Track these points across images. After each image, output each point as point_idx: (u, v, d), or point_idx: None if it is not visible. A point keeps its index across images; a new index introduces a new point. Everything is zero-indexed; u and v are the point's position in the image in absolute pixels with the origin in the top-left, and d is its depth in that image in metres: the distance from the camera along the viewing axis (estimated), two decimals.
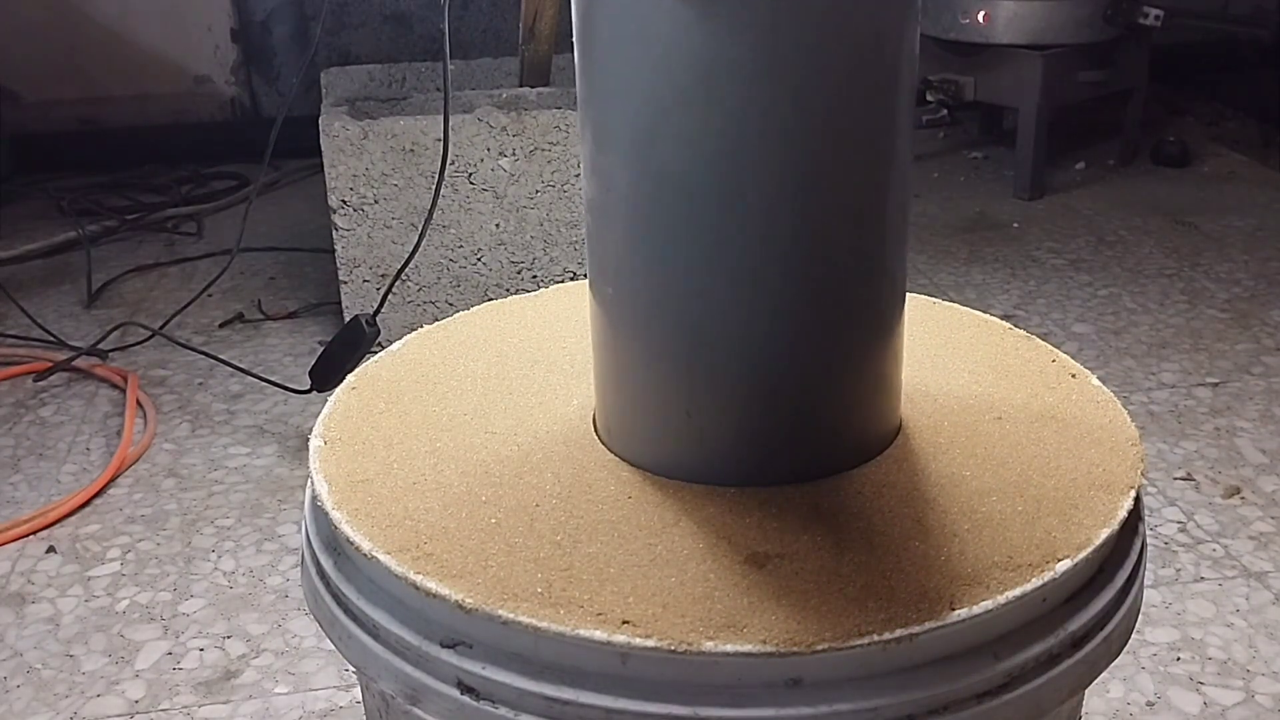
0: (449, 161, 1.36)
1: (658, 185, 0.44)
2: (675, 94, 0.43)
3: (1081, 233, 1.92)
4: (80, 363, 1.51)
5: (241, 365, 1.45)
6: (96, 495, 1.23)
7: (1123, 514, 0.46)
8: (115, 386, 1.47)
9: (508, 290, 1.53)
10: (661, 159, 0.44)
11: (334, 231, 1.49)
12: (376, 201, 1.47)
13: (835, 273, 0.45)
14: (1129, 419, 0.53)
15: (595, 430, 0.52)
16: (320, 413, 0.55)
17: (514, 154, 1.47)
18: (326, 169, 1.45)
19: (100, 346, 1.54)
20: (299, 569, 0.79)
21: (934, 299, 0.65)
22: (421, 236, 1.31)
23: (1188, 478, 1.23)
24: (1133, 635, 0.48)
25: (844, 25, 0.42)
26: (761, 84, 0.42)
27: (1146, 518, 0.81)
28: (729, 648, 0.39)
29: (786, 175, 0.43)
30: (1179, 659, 0.97)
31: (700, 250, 0.44)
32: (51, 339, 1.57)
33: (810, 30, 0.42)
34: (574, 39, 0.46)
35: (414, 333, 0.62)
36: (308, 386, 1.32)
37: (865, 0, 0.42)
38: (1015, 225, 1.97)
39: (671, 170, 0.44)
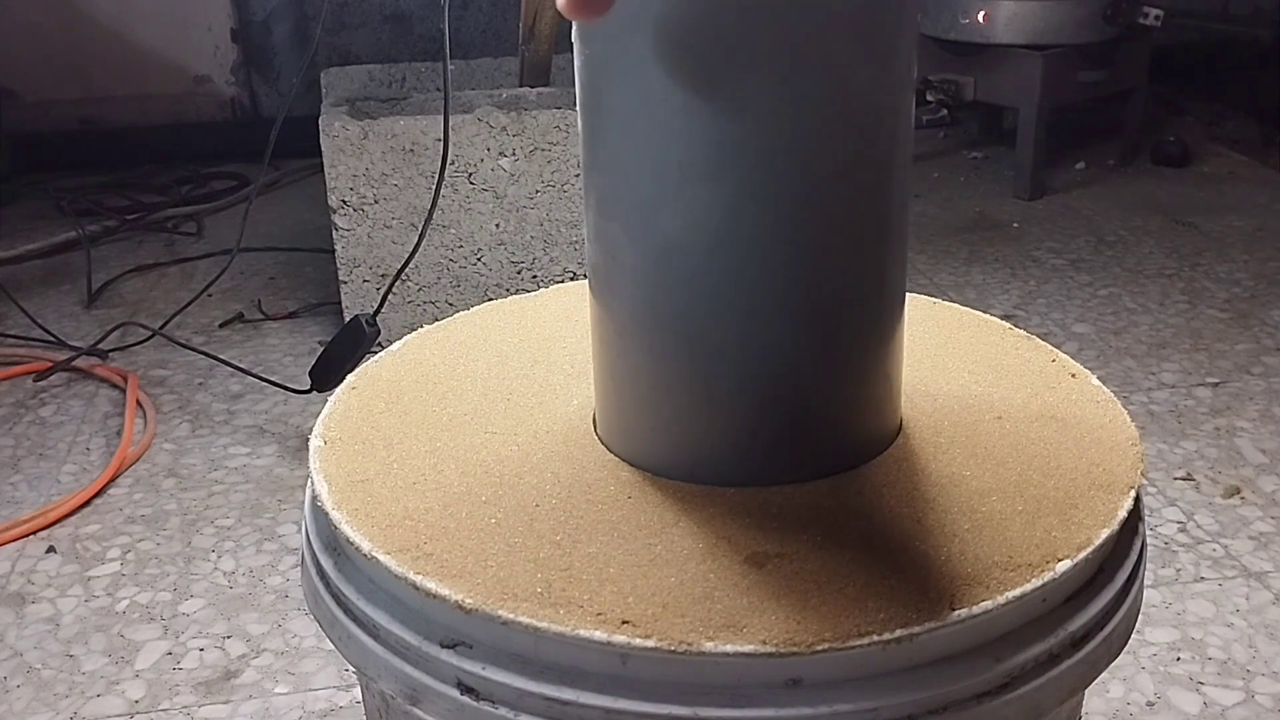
0: (449, 161, 1.36)
1: (662, 253, 0.45)
2: (678, 170, 0.44)
3: (1081, 233, 1.92)
4: (80, 363, 1.51)
5: (241, 365, 1.45)
6: (96, 495, 1.23)
7: (1123, 514, 0.46)
8: (115, 386, 1.47)
9: (508, 290, 1.53)
10: (665, 230, 0.45)
11: (334, 231, 1.49)
12: (376, 201, 1.47)
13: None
14: (1129, 419, 0.53)
15: (595, 430, 0.52)
16: (320, 413, 0.55)
17: (514, 154, 1.47)
18: (326, 169, 1.45)
19: (100, 346, 1.54)
20: (299, 569, 0.79)
21: (934, 299, 0.65)
22: (421, 236, 1.31)
23: (1188, 478, 1.23)
24: (1133, 635, 0.48)
25: (842, 104, 0.43)
26: (763, 161, 0.43)
27: (1146, 518, 0.81)
28: (729, 648, 0.39)
29: (789, 235, 0.44)
30: (1179, 659, 0.97)
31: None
32: (51, 339, 1.57)
33: (809, 110, 0.42)
34: (578, 107, 0.47)
35: (414, 333, 0.62)
36: (308, 386, 1.32)
37: (863, 81, 0.43)
38: (1015, 225, 1.97)
39: (675, 241, 0.45)
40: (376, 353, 0.61)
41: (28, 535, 1.17)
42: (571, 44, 0.46)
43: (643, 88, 0.43)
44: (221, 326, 1.64)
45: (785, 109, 0.42)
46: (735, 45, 0.41)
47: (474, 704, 0.42)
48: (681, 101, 0.42)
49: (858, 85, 0.43)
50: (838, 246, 0.45)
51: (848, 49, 0.42)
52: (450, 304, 1.53)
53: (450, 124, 1.29)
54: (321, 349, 1.35)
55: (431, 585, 0.42)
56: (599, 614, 0.41)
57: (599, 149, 0.46)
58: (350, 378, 0.58)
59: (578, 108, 0.47)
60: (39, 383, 1.48)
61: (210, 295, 1.65)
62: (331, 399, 0.56)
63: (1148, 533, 0.59)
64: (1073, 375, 0.57)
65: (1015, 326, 0.62)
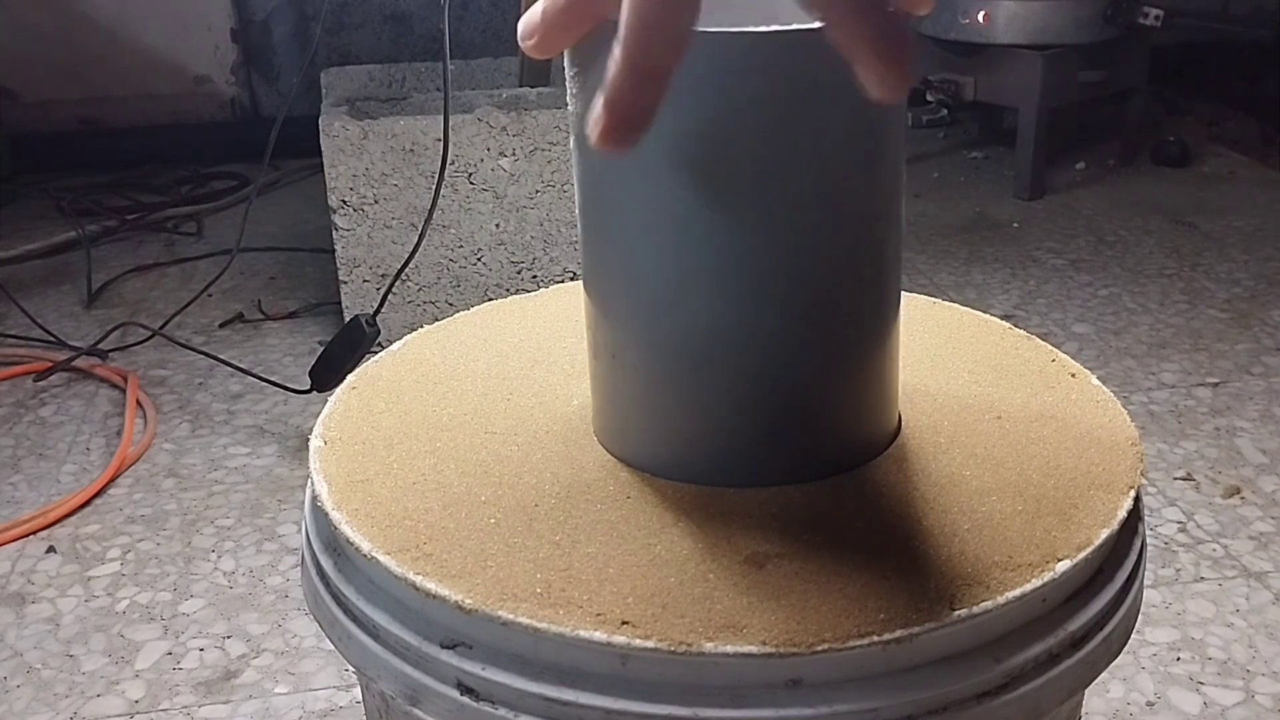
0: (449, 161, 1.36)
1: (664, 355, 0.47)
2: (679, 276, 0.45)
3: (1081, 233, 1.92)
4: (80, 363, 1.51)
5: (241, 365, 1.45)
6: (96, 495, 1.23)
7: (1123, 514, 0.46)
8: (115, 386, 1.47)
9: (508, 290, 1.53)
10: (666, 331, 0.46)
11: (334, 231, 1.49)
12: (376, 201, 1.47)
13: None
14: (1129, 419, 0.53)
15: (594, 431, 0.52)
16: (320, 413, 0.55)
17: (514, 154, 1.47)
18: (326, 169, 1.45)
19: (100, 346, 1.55)
20: (299, 569, 0.79)
21: (934, 299, 0.65)
22: (421, 236, 1.31)
23: (1188, 478, 1.23)
24: (1133, 635, 0.48)
25: (840, 211, 0.44)
26: (764, 267, 0.44)
27: (1146, 518, 0.81)
28: (729, 648, 0.39)
29: (790, 332, 0.46)
30: (1179, 659, 0.97)
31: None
32: (51, 339, 1.57)
33: (809, 217, 0.44)
34: (577, 211, 0.48)
35: (414, 333, 0.62)
36: (308, 386, 1.32)
37: (856, 190, 0.44)
38: (1015, 225, 1.97)
39: (676, 344, 0.46)
40: (376, 353, 0.61)
41: (28, 535, 1.17)
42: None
43: (643, 199, 0.44)
44: (221, 326, 1.64)
45: (785, 217, 0.44)
46: (733, 161, 0.43)
47: (474, 704, 0.42)
48: (683, 212, 0.44)
49: (852, 195, 0.44)
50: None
51: (841, 162, 0.44)
52: (450, 304, 1.53)
53: (450, 124, 1.29)
54: (321, 349, 1.35)
55: (431, 586, 0.42)
56: (599, 614, 0.41)
57: (599, 255, 0.47)
58: (350, 378, 0.58)
59: (577, 212, 0.48)
60: (39, 383, 1.48)
61: (210, 295, 1.65)
62: (331, 399, 0.56)
63: (1148, 533, 0.59)
64: (1073, 375, 0.57)
65: (1015, 326, 0.62)
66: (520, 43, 0.40)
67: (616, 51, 0.35)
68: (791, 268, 0.44)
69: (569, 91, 0.46)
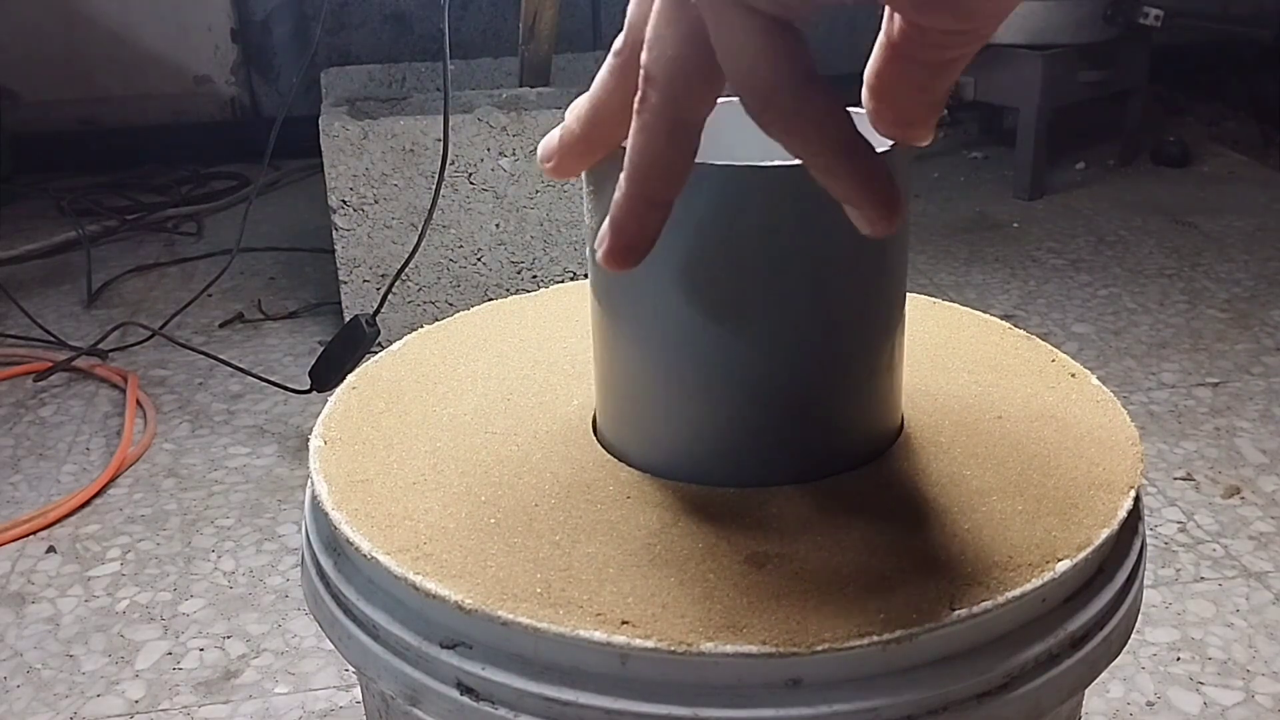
0: (449, 161, 1.36)
1: (670, 453, 0.48)
2: (684, 390, 0.46)
3: (1081, 233, 1.92)
4: (80, 363, 1.51)
5: (241, 365, 1.45)
6: (96, 495, 1.23)
7: (1123, 514, 0.46)
8: (115, 386, 1.47)
9: (508, 290, 1.53)
10: (671, 433, 0.48)
11: (334, 231, 1.49)
12: (376, 201, 1.47)
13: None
14: (1129, 419, 0.53)
15: (595, 431, 0.52)
16: (320, 413, 0.55)
17: (514, 154, 1.47)
18: (326, 169, 1.45)
19: (100, 346, 1.55)
20: (299, 569, 0.79)
21: (934, 299, 0.65)
22: (421, 236, 1.31)
23: (1188, 478, 1.23)
24: (1133, 635, 0.48)
25: (841, 319, 0.46)
26: (764, 374, 0.46)
27: (1146, 518, 0.82)
28: (729, 648, 0.39)
29: (791, 430, 0.47)
30: (1179, 659, 0.97)
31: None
32: (51, 339, 1.57)
33: (810, 328, 0.45)
34: (590, 305, 0.49)
35: (414, 333, 0.62)
36: (308, 386, 1.32)
37: (860, 303, 0.46)
38: (1015, 225, 1.97)
39: (679, 445, 0.48)
40: (376, 353, 0.61)
41: (28, 535, 1.17)
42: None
43: (649, 310, 0.46)
44: (221, 326, 1.64)
45: (785, 330, 0.45)
46: (740, 278, 0.44)
47: (474, 704, 0.42)
48: (689, 327, 0.45)
49: (856, 307, 0.46)
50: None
51: (844, 281, 0.45)
52: (450, 304, 1.53)
53: (450, 124, 1.29)
54: (321, 349, 1.35)
55: (431, 585, 0.42)
56: (599, 614, 0.41)
57: (607, 361, 0.49)
58: (350, 378, 0.58)
59: (590, 304, 0.49)
60: (39, 383, 1.48)
61: (210, 295, 1.65)
62: (331, 399, 0.56)
63: (1148, 533, 0.59)
64: (1073, 375, 0.57)
65: (1015, 326, 0.62)
66: (539, 164, 0.43)
67: (621, 180, 0.38)
68: (793, 376, 0.46)
69: (585, 207, 0.47)
